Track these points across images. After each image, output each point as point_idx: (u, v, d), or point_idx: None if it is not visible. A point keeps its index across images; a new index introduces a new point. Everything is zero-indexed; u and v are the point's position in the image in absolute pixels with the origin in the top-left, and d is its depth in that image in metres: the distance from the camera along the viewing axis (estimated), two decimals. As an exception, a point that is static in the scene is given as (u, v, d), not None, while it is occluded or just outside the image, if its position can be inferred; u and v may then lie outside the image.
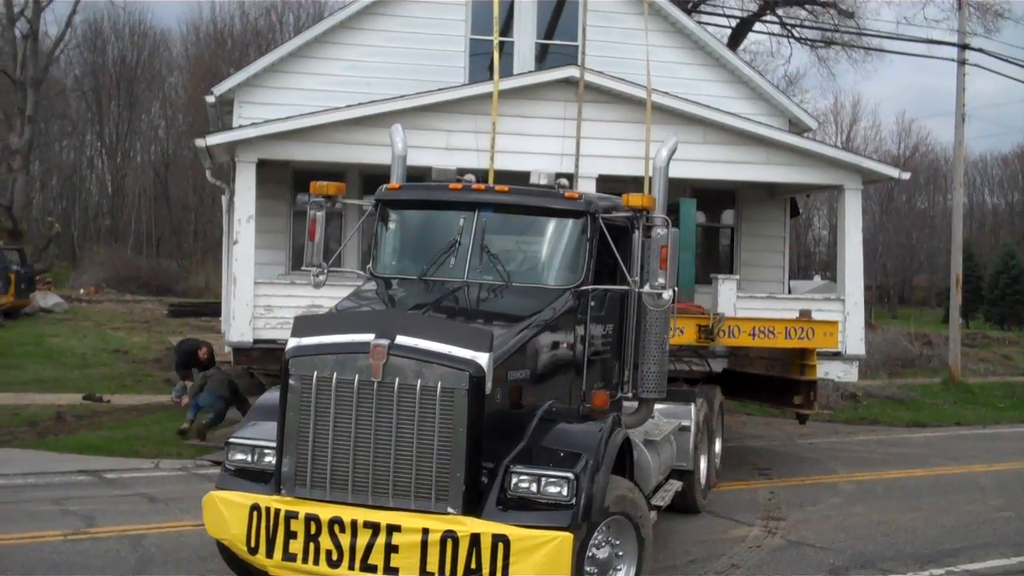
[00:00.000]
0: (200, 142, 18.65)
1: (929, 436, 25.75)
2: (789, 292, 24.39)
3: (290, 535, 8.91)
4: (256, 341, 18.00)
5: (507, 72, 20.89)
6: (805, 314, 18.35)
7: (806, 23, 44.01)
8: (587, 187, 18.40)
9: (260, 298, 18.19)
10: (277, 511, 8.99)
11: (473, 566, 8.54)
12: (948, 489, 18.26)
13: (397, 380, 8.91)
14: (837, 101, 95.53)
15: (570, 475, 8.98)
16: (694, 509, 15.17)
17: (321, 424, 9.09)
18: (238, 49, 73.27)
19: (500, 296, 11.06)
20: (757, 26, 44.48)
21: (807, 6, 43.14)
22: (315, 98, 20.65)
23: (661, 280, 10.74)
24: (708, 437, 16.36)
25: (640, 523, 10.05)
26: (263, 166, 19.01)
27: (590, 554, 9.56)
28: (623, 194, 11.57)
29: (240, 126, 20.47)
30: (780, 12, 43.64)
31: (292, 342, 9.40)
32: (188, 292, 59.00)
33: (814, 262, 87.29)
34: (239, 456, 9.85)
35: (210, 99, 23.37)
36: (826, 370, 19.40)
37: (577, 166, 18.81)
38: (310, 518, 8.85)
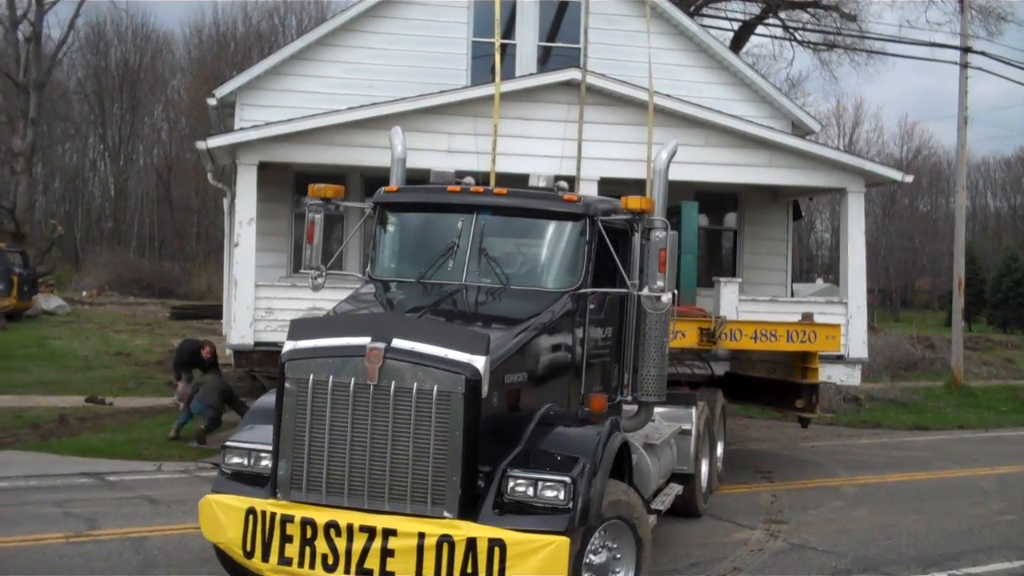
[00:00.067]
0: (201, 144, 18.66)
1: (931, 439, 25.70)
2: (792, 295, 24.36)
3: (286, 539, 8.88)
4: (257, 344, 18.00)
5: (509, 75, 20.90)
6: (807, 317, 18.32)
7: (808, 26, 43.97)
8: (589, 190, 18.40)
9: (261, 300, 18.18)
10: (273, 515, 8.96)
11: (469, 570, 8.49)
12: (950, 492, 18.24)
13: (393, 383, 8.87)
14: (839, 104, 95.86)
15: (567, 479, 8.93)
16: (695, 513, 15.14)
17: (317, 427, 9.05)
18: (241, 52, 73.27)
19: (498, 299, 11.02)
20: (759, 29, 44.55)
21: (809, 9, 43.12)
22: (317, 100, 20.66)
23: (660, 283, 10.71)
24: (710, 441, 16.33)
25: (638, 527, 10.00)
26: (265, 168, 19.01)
27: (587, 559, 9.51)
28: (621, 196, 11.55)
29: (241, 128, 20.46)
30: (782, 15, 43.60)
31: (288, 345, 9.38)
32: (191, 295, 59.04)
33: (816, 265, 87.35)
34: (235, 459, 9.82)
35: (212, 102, 23.37)
36: (829, 373, 19.39)
37: (579, 169, 18.81)
38: (306, 522, 8.81)
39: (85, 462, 17.84)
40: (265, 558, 8.95)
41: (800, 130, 23.81)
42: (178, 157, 76.30)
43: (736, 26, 43.17)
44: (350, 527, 8.69)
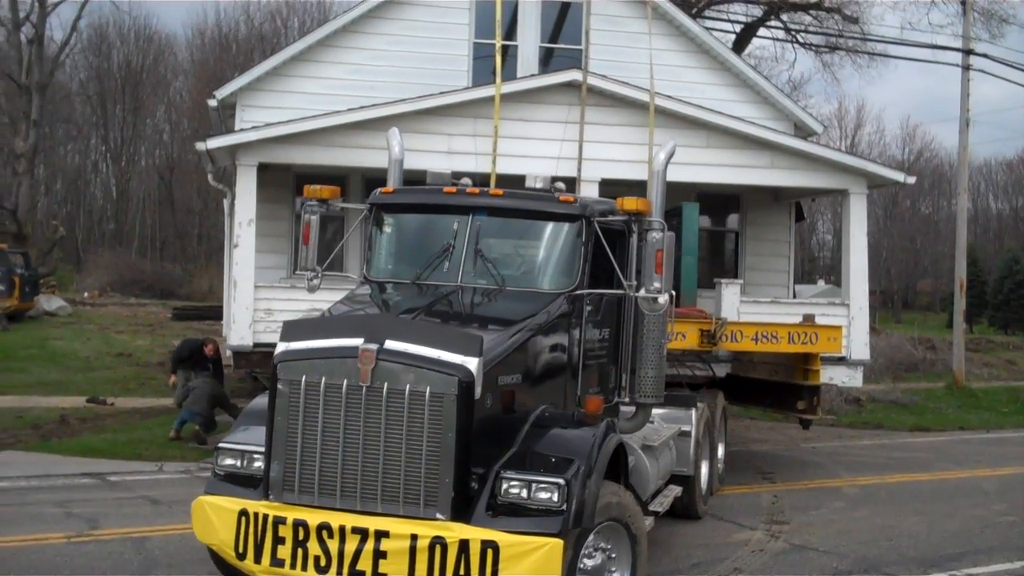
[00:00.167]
0: (201, 145, 18.68)
1: (933, 440, 25.71)
2: (794, 297, 24.35)
3: (278, 541, 8.85)
4: (256, 345, 17.99)
5: (511, 76, 20.91)
6: (808, 319, 18.30)
7: (810, 28, 43.96)
8: (590, 191, 18.40)
9: (260, 302, 18.18)
10: (265, 516, 8.93)
11: (462, 572, 8.45)
12: (952, 493, 18.24)
13: (386, 385, 8.84)
14: (841, 106, 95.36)
15: (561, 481, 8.88)
16: (694, 515, 15.12)
17: (309, 429, 9.04)
18: (243, 53, 73.32)
19: (494, 300, 10.99)
20: (761, 31, 44.50)
21: (812, 11, 43.10)
22: (318, 102, 20.65)
23: (657, 284, 10.68)
24: (710, 442, 16.31)
25: (634, 529, 9.96)
26: (265, 170, 19.02)
27: (582, 561, 9.46)
28: (617, 198, 11.53)
29: (241, 129, 20.48)
30: (784, 17, 43.60)
31: (281, 346, 9.37)
32: (192, 296, 59.10)
33: (818, 266, 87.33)
34: (228, 461, 9.80)
35: (212, 103, 23.37)
36: (830, 375, 19.37)
37: (580, 170, 18.81)
38: (298, 523, 8.79)
39: (86, 462, 17.86)
40: (257, 560, 8.91)
41: (802, 131, 23.79)
42: (180, 158, 76.32)
43: (738, 28, 43.19)
44: (342, 529, 8.66)
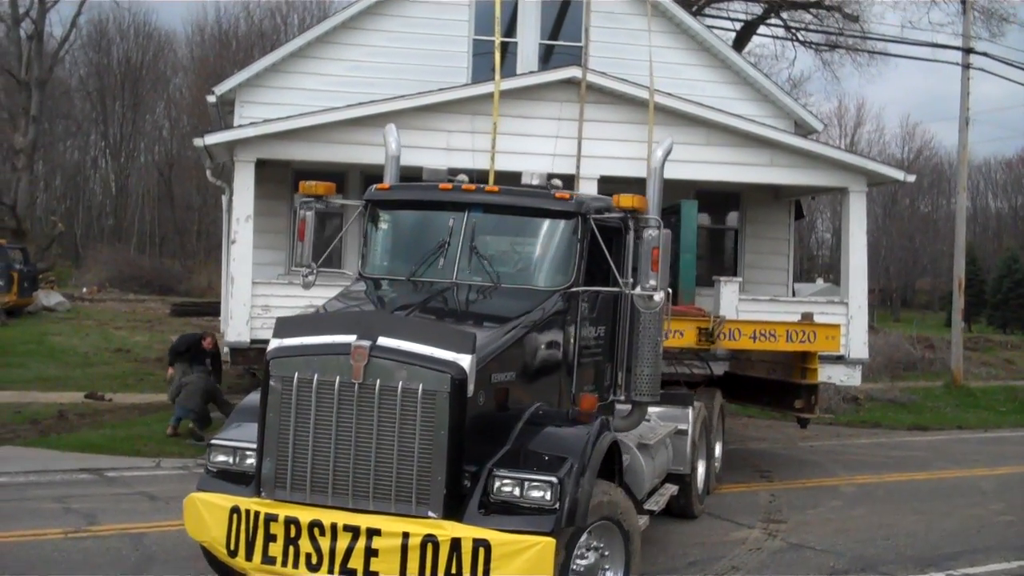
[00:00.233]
0: (198, 141, 18.64)
1: (931, 439, 25.72)
2: (793, 295, 24.34)
3: (270, 538, 8.83)
4: (253, 341, 17.95)
5: (511, 73, 20.90)
6: (807, 317, 18.29)
7: (811, 26, 43.98)
8: (589, 188, 18.36)
9: (258, 298, 18.15)
10: (257, 514, 8.91)
11: (454, 571, 8.43)
12: (949, 493, 18.26)
13: (378, 382, 8.81)
14: (841, 104, 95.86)
15: (553, 479, 8.86)
16: (691, 514, 15.08)
17: (301, 426, 9.01)
18: (243, 50, 73.28)
19: (489, 297, 10.96)
20: (761, 29, 44.51)
21: (812, 9, 43.11)
22: (317, 98, 20.63)
23: (652, 282, 10.64)
24: (707, 441, 16.28)
25: (628, 528, 9.92)
26: (264, 166, 19.00)
27: (575, 560, 9.43)
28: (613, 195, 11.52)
29: (239, 125, 20.46)
30: (785, 15, 43.61)
31: (274, 343, 9.33)
32: (191, 292, 59.04)
33: (817, 265, 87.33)
34: (221, 457, 9.78)
35: (211, 99, 23.35)
36: (829, 374, 19.36)
37: (578, 167, 18.78)
38: (290, 521, 8.77)
39: (84, 458, 17.86)
40: (249, 557, 8.90)
41: (803, 129, 23.76)
42: (179, 155, 76.25)
43: (738, 26, 43.21)
44: (334, 526, 8.64)
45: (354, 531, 8.59)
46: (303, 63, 22.34)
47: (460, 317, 10.80)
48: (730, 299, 19.03)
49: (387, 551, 8.51)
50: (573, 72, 19.15)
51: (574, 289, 10.99)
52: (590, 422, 9.86)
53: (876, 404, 30.51)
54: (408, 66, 21.78)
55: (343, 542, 8.60)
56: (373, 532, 8.55)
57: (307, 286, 11.94)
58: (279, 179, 20.90)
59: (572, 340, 11.08)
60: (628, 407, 12.20)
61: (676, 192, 19.65)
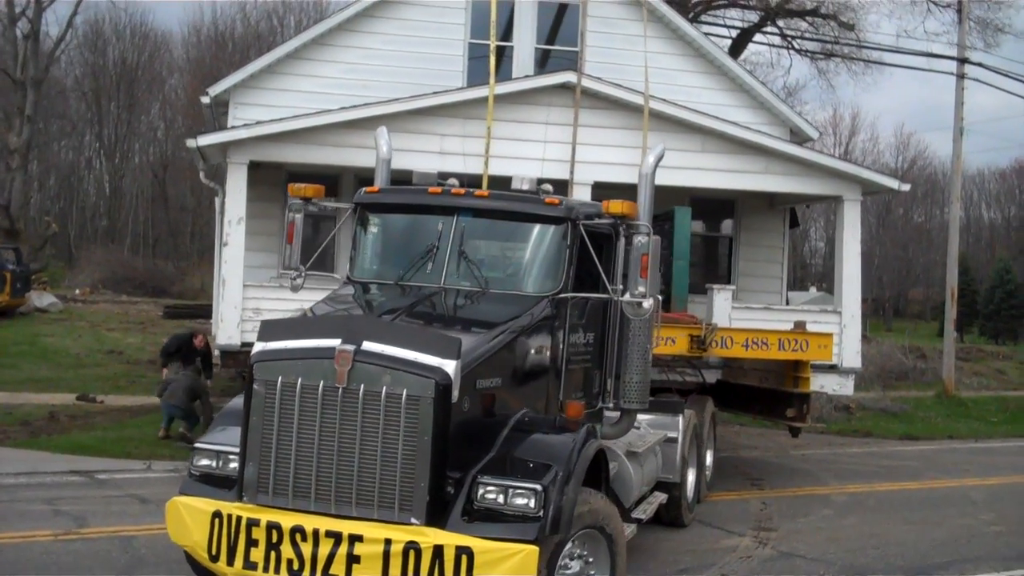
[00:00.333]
0: (191, 142, 18.61)
1: (922, 449, 25.76)
2: (787, 304, 24.33)
3: (251, 543, 8.78)
4: (244, 344, 17.85)
5: (507, 77, 20.86)
6: (799, 326, 18.31)
7: (806, 35, 44.07)
8: (583, 194, 18.37)
9: (249, 300, 18.08)
10: (239, 518, 8.86)
11: None
12: (940, 502, 18.27)
13: (362, 387, 8.77)
14: (836, 113, 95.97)
15: (538, 487, 8.80)
16: (680, 523, 15.01)
17: (285, 430, 8.96)
18: (239, 52, 73.15)
19: (476, 302, 10.88)
20: (757, 37, 44.52)
21: (807, 18, 43.18)
22: (312, 100, 20.58)
23: (642, 289, 10.58)
24: (697, 449, 16.23)
25: (613, 536, 9.86)
26: (257, 168, 18.96)
27: (560, 569, 9.34)
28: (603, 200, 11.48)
29: (232, 127, 20.43)
30: (780, 23, 43.68)
31: (258, 346, 9.29)
32: (184, 294, 58.92)
33: (810, 273, 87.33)
34: (204, 461, 9.73)
35: (205, 100, 23.30)
36: (821, 383, 19.31)
37: (572, 172, 18.77)
38: (272, 526, 8.72)
39: (75, 460, 17.84)
40: (230, 562, 8.85)
41: (798, 137, 23.73)
42: (174, 156, 76.13)
43: (734, 33, 43.25)
44: (316, 532, 8.60)
45: (336, 537, 8.55)
46: (298, 65, 22.27)
47: (447, 322, 10.74)
48: (723, 307, 19.04)
49: (369, 557, 8.46)
50: (568, 77, 19.13)
51: (563, 295, 10.92)
52: (576, 429, 9.82)
53: (868, 413, 30.54)
54: (404, 69, 21.74)
55: (325, 548, 8.55)
56: (355, 538, 8.52)
57: (295, 289, 11.89)
58: (272, 181, 20.85)
59: (560, 346, 11.01)
60: (617, 414, 12.13)
61: (671, 199, 19.64)
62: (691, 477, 15.68)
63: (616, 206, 10.99)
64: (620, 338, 11.88)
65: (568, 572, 9.52)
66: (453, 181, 11.98)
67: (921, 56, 43.05)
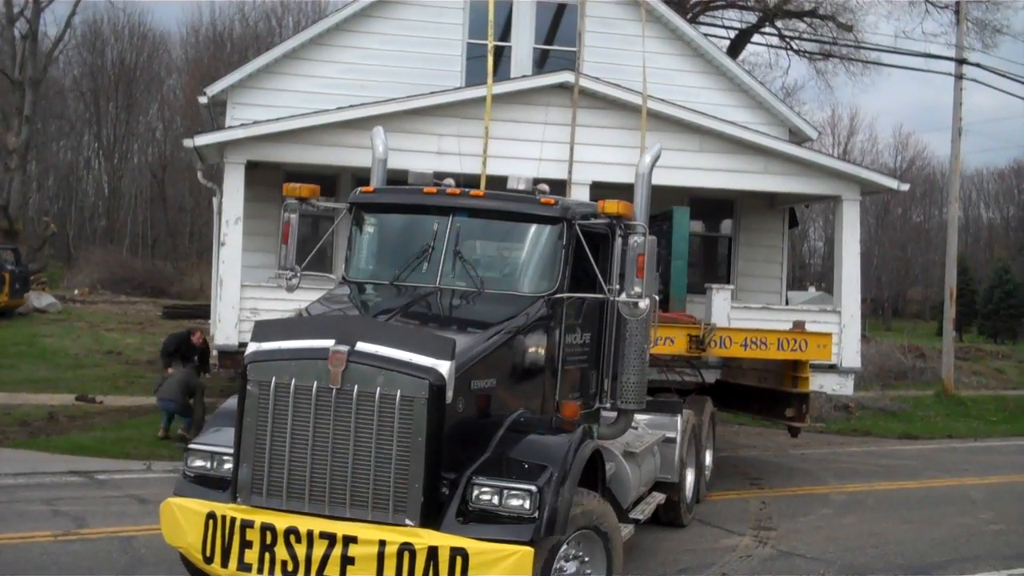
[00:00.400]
0: (188, 142, 18.61)
1: (921, 448, 25.77)
2: (787, 303, 24.31)
3: (245, 544, 8.76)
4: (242, 344, 17.81)
5: (505, 77, 20.85)
6: (798, 325, 18.30)
7: (805, 35, 44.04)
8: (581, 194, 18.37)
9: (247, 301, 18.08)
10: (233, 520, 8.84)
11: None
12: (939, 501, 18.27)
13: (356, 387, 8.74)
14: (834, 114, 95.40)
15: (533, 488, 8.77)
16: (679, 523, 14.98)
17: (278, 431, 8.93)
18: (237, 52, 73.04)
19: (472, 303, 10.85)
20: (756, 37, 44.50)
21: (806, 19, 43.17)
22: (310, 100, 20.57)
23: (638, 289, 10.51)
24: (696, 449, 16.20)
25: (610, 537, 9.82)
26: (255, 168, 18.96)
27: (556, 570, 9.29)
28: (596, 200, 11.43)
29: (229, 127, 20.42)
30: (779, 24, 43.65)
31: (252, 347, 9.26)
32: (183, 294, 58.86)
33: (809, 273, 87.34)
34: (198, 462, 9.70)
35: (203, 99, 23.28)
36: (821, 383, 19.30)
37: (571, 172, 18.77)
38: (266, 527, 8.70)
39: (74, 460, 17.84)
40: (224, 563, 8.82)
41: (797, 137, 23.71)
42: (173, 156, 76.02)
43: (732, 34, 43.25)
44: (310, 533, 8.57)
45: (330, 538, 8.53)
46: (296, 65, 22.26)
47: (442, 322, 10.71)
48: (722, 307, 19.04)
49: (363, 559, 8.44)
50: (566, 77, 19.14)
51: (558, 295, 10.87)
52: (572, 430, 9.77)
53: (867, 412, 30.55)
54: (402, 69, 21.73)
55: (319, 549, 8.53)
56: (349, 539, 8.49)
57: (290, 289, 11.84)
58: (270, 181, 20.80)
59: (556, 347, 10.97)
60: (614, 415, 12.10)
61: (670, 199, 19.67)
62: (690, 477, 15.66)
63: (611, 206, 10.95)
64: (617, 338, 11.84)
65: (564, 573, 9.47)
66: (449, 181, 11.93)
67: (919, 57, 43.08)
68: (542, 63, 22.99)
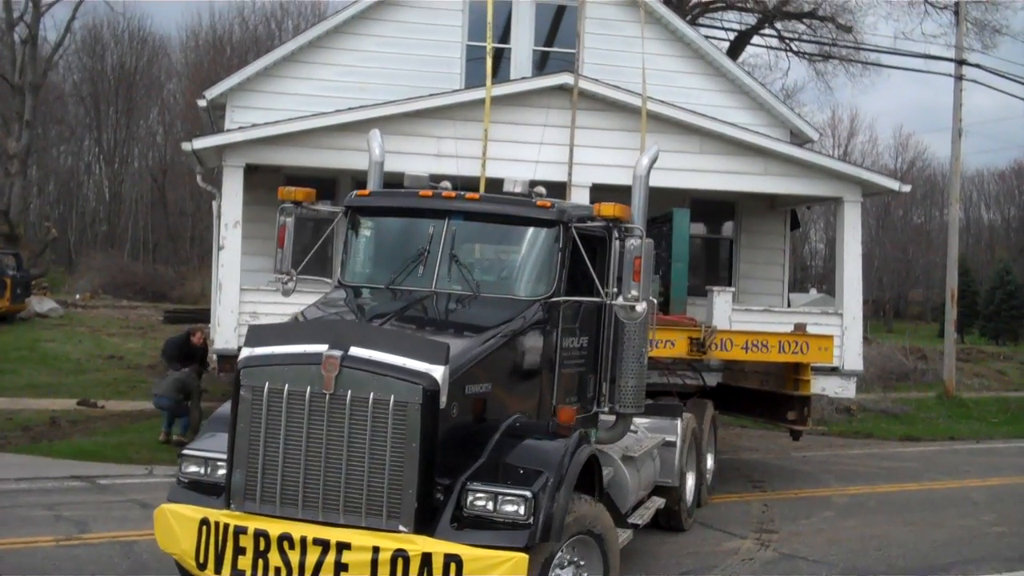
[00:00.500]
0: (187, 145, 18.58)
1: (923, 450, 25.74)
2: (788, 306, 24.27)
3: (239, 551, 8.71)
4: (241, 348, 17.83)
5: (504, 79, 20.82)
6: (800, 328, 18.27)
7: (804, 37, 44.06)
8: (580, 196, 18.32)
9: (246, 305, 18.01)
10: (226, 526, 8.79)
11: None
12: (941, 504, 18.25)
13: (350, 393, 8.69)
14: (835, 115, 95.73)
15: (527, 493, 8.73)
16: (679, 527, 14.90)
17: (272, 437, 8.89)
18: (237, 56, 73.05)
19: (468, 306, 10.80)
20: (755, 39, 44.51)
21: (805, 20, 43.18)
22: (309, 103, 20.48)
23: (634, 292, 10.45)
24: (697, 453, 16.14)
25: (606, 542, 9.77)
26: (254, 171, 18.93)
27: (553, 575, 9.26)
28: (594, 203, 11.37)
29: (228, 130, 20.40)
30: (779, 25, 43.66)
31: (245, 352, 9.23)
32: (184, 298, 58.88)
33: (810, 275, 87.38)
34: (192, 468, 9.66)
35: (202, 103, 23.23)
36: (823, 385, 19.20)
37: (570, 175, 18.74)
38: (259, 534, 8.66)
39: (76, 465, 17.86)
40: (218, 570, 8.78)
41: (798, 138, 23.62)
42: (173, 160, 76.03)
43: (732, 36, 43.24)
44: (304, 540, 8.53)
45: (324, 545, 8.48)
46: (295, 68, 22.21)
47: (438, 326, 10.65)
48: (723, 309, 19.00)
49: (357, 565, 8.39)
50: (565, 78, 19.10)
51: (555, 299, 10.81)
52: (569, 435, 9.69)
53: (868, 415, 30.54)
54: (401, 71, 21.67)
55: (313, 556, 8.49)
56: (343, 546, 8.45)
57: (286, 293, 11.80)
58: (270, 185, 20.71)
59: (553, 351, 10.90)
60: (612, 419, 12.06)
61: (671, 201, 19.64)
62: (690, 481, 15.60)
63: (608, 209, 10.91)
64: (615, 342, 11.79)
65: None
66: (446, 184, 11.85)
67: (919, 58, 43.04)
68: (542, 65, 22.95)
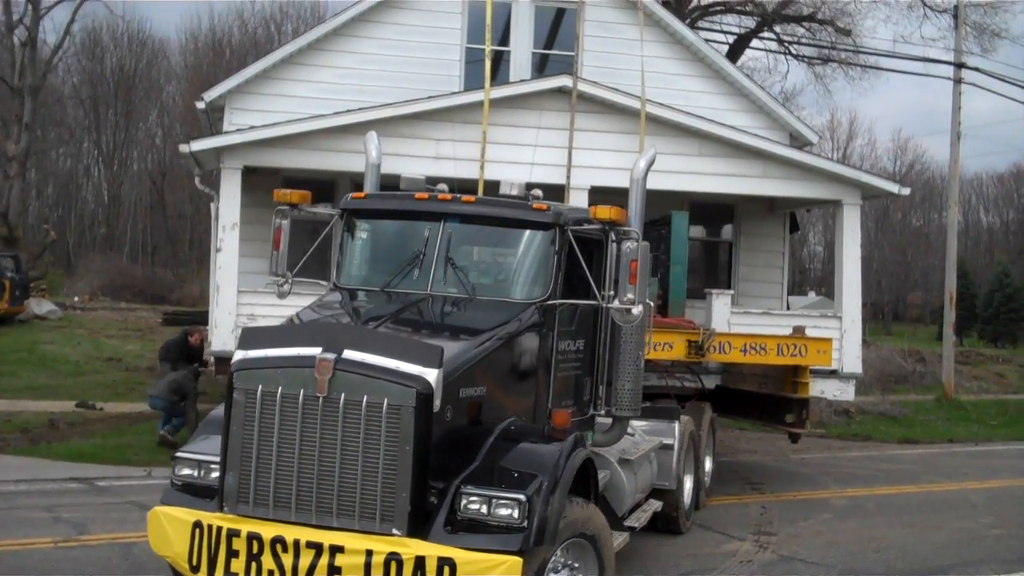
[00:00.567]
0: (184, 147, 18.60)
1: (921, 453, 25.75)
2: (788, 308, 24.27)
3: (232, 554, 8.67)
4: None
5: (504, 81, 20.83)
6: (798, 331, 18.26)
7: (803, 40, 44.04)
8: (579, 199, 18.33)
9: (243, 307, 18.01)
10: (219, 529, 8.75)
11: None
12: (939, 506, 18.25)
13: (343, 396, 8.64)
14: (834, 118, 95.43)
15: (522, 497, 8.66)
16: (677, 531, 14.86)
17: (265, 440, 8.83)
18: (236, 59, 73.01)
19: (463, 309, 10.77)
20: (754, 42, 44.51)
21: (804, 23, 43.17)
22: (308, 105, 20.47)
23: (631, 295, 10.38)
24: (695, 456, 16.11)
25: (601, 546, 9.71)
26: (253, 173, 18.94)
27: None
28: (590, 206, 11.35)
29: (226, 132, 20.40)
30: (778, 29, 43.66)
31: (238, 354, 9.17)
32: (183, 301, 58.80)
33: (809, 278, 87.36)
34: (186, 471, 9.62)
35: (201, 105, 23.25)
36: (822, 388, 19.21)
37: (569, 177, 18.74)
38: (252, 537, 8.61)
39: (75, 467, 17.85)
40: (211, 573, 8.74)
41: (798, 141, 23.64)
42: (172, 163, 75.91)
43: (731, 39, 43.26)
44: (297, 543, 8.48)
45: (317, 548, 8.44)
46: (294, 70, 22.23)
47: (433, 329, 10.61)
48: (722, 312, 19.01)
49: (350, 569, 8.36)
50: (564, 81, 19.11)
51: (551, 302, 10.76)
52: (564, 438, 9.67)
53: (867, 417, 30.54)
54: (400, 74, 21.67)
55: (306, 559, 8.45)
56: (336, 549, 8.41)
57: (282, 296, 11.78)
58: (268, 187, 20.57)
59: (549, 354, 10.86)
60: (609, 422, 12.04)
61: (670, 203, 19.64)
62: (688, 484, 15.56)
63: (604, 212, 10.80)
64: (611, 345, 11.75)
65: None
66: (442, 186, 11.79)
67: (918, 61, 43.29)
68: (541, 67, 22.95)
